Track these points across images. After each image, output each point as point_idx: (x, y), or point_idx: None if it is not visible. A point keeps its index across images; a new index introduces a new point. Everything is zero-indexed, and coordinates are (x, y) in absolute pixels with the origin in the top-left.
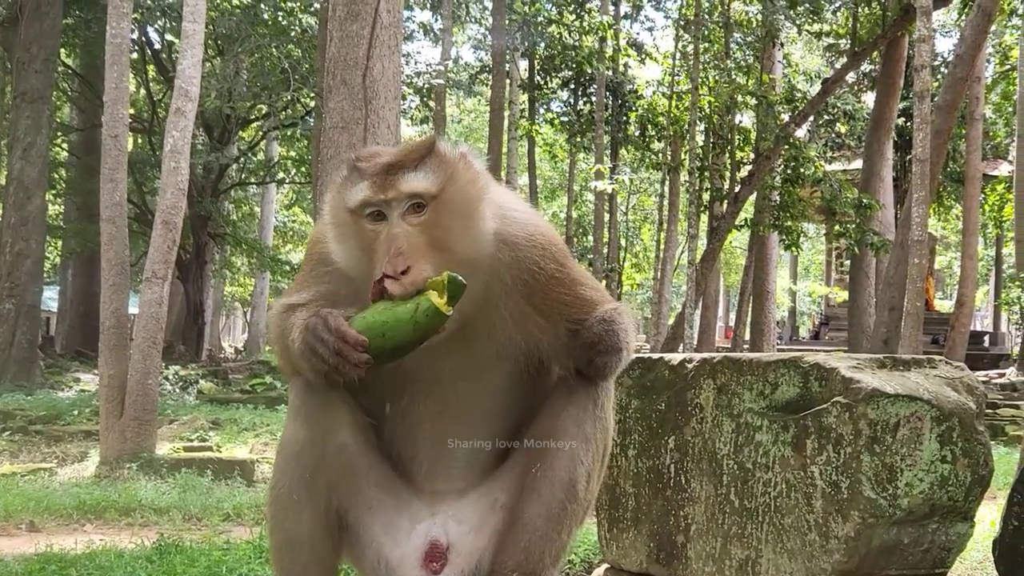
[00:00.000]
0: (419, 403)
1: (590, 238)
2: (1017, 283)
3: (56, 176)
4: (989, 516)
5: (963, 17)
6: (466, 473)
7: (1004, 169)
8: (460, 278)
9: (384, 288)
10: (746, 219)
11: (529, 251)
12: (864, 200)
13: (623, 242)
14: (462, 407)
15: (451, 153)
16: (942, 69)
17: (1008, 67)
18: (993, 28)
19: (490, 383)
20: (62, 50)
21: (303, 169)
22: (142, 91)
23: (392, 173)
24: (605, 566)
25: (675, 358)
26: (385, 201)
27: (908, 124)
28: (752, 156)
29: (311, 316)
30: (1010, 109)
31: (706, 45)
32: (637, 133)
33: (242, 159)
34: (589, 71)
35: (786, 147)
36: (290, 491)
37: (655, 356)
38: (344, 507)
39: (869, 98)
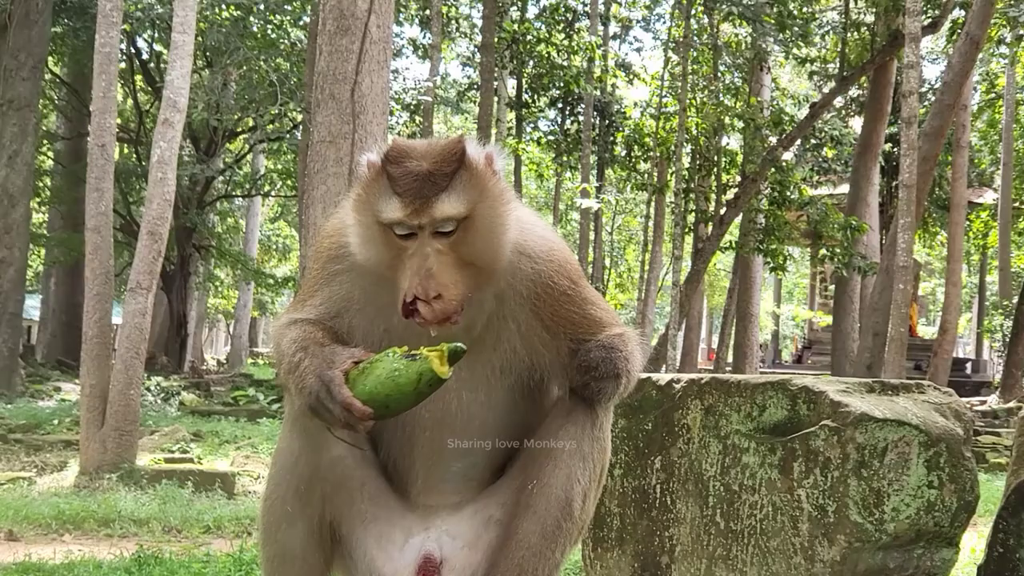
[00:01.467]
0: (420, 412)
1: (575, 257)
2: (1000, 311)
3: (41, 184)
4: (970, 543)
5: (951, 44)
6: (462, 487)
7: (989, 197)
8: (461, 346)
9: (415, 310)
10: (731, 241)
11: (546, 265)
12: (852, 222)
13: (608, 262)
14: (462, 419)
15: (479, 162)
16: (929, 96)
17: (994, 95)
18: (980, 56)
19: (491, 396)
20: (50, 58)
21: (289, 183)
22: (129, 101)
23: (425, 193)
24: None
25: (663, 378)
26: (419, 225)
27: (895, 150)
28: (738, 179)
29: (315, 372)
30: (996, 137)
31: (694, 67)
32: (623, 153)
33: (228, 171)
34: (577, 91)
35: (772, 170)
36: (283, 502)
37: (643, 376)
38: (337, 520)
39: (856, 123)
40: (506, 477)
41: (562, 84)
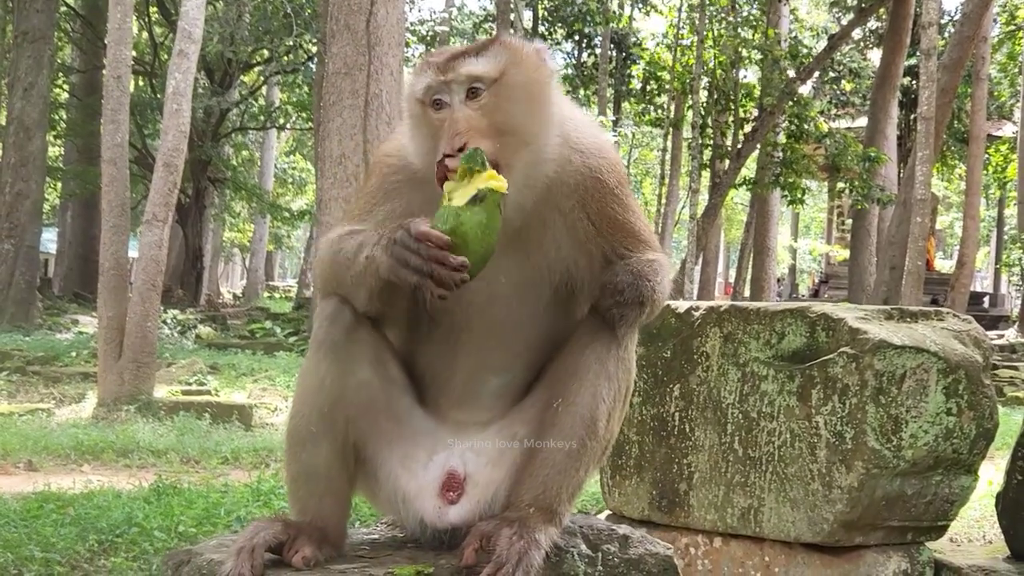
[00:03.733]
0: (468, 323)
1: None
2: (1018, 244)
3: (57, 117)
4: (987, 475)
5: None
6: (494, 404)
7: (1008, 129)
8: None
9: (447, 167)
10: (745, 178)
11: (597, 160)
12: (871, 153)
13: None
14: (507, 332)
15: (519, 44)
16: (949, 27)
17: (1014, 26)
18: None
19: (533, 306)
20: None
21: (304, 115)
22: (144, 33)
23: (455, 59)
24: (607, 513)
25: (681, 305)
26: (445, 83)
27: (913, 82)
28: (755, 112)
29: (393, 230)
30: (1015, 69)
31: None
32: (639, 87)
33: (243, 104)
34: (588, 29)
35: (790, 103)
36: (308, 423)
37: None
38: (362, 441)
39: (875, 55)
40: (532, 396)
41: (575, 20)
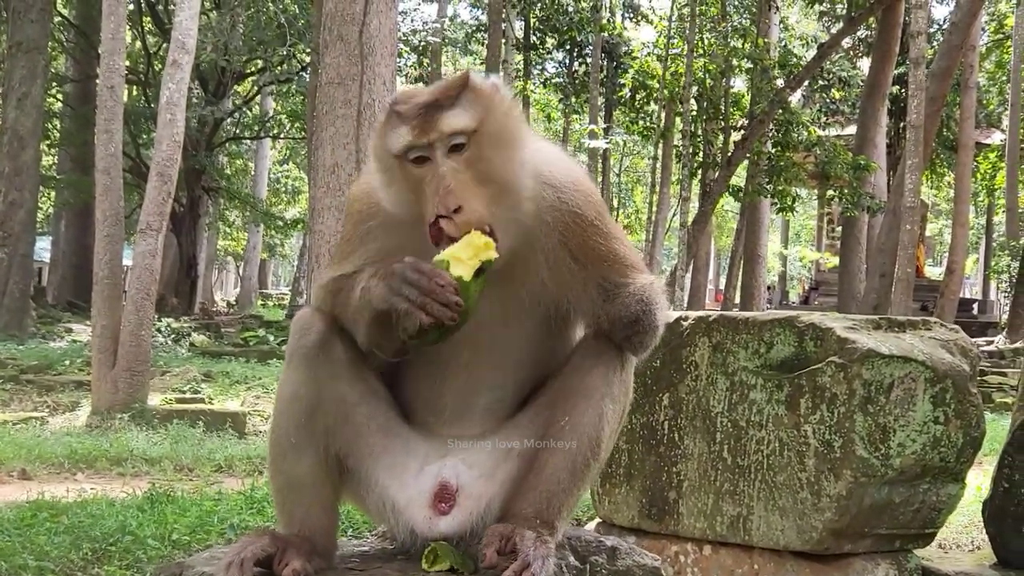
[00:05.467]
0: (457, 348)
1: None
2: (1007, 251)
3: (51, 126)
4: (975, 481)
5: None
6: (485, 420)
7: (997, 137)
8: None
9: (441, 228)
10: (734, 186)
11: (572, 195)
12: (861, 161)
13: (615, 203)
14: (494, 354)
15: (485, 85)
16: (938, 36)
17: (1002, 35)
18: None
19: (521, 331)
20: (58, 0)
21: (298, 124)
22: (138, 43)
23: (431, 114)
24: (596, 521)
25: (671, 315)
26: (428, 144)
27: (903, 91)
28: (745, 121)
29: (389, 265)
30: (1004, 77)
31: (702, 8)
32: (629, 96)
33: (237, 113)
34: (579, 38)
35: (780, 111)
36: (288, 434)
37: None
38: (345, 452)
39: (864, 64)
40: (530, 412)
41: (568, 28)
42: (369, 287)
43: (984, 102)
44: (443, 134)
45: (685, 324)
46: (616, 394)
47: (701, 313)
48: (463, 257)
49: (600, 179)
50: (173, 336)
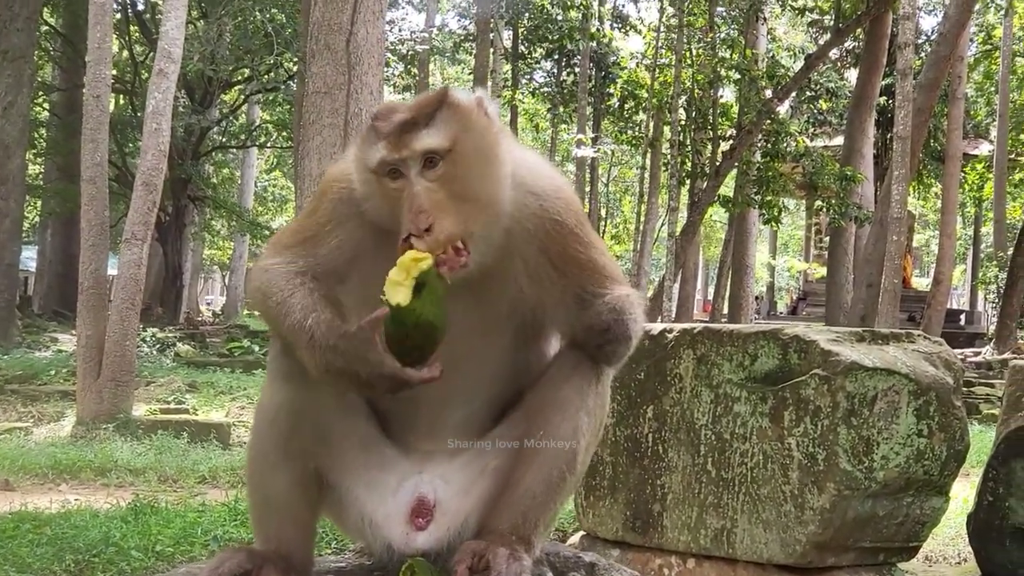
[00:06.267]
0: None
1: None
2: (994, 262)
3: (37, 135)
4: (962, 493)
5: None
6: (461, 434)
7: (984, 148)
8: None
9: (410, 244)
10: (722, 196)
11: (554, 202)
12: (848, 172)
13: (603, 213)
14: (469, 365)
15: (465, 102)
16: (925, 47)
17: (990, 46)
18: (976, 7)
19: (498, 340)
20: (45, 9)
21: (284, 134)
22: (125, 52)
23: (406, 131)
24: (581, 533)
25: (655, 328)
26: (400, 160)
27: (890, 102)
28: (733, 131)
29: (334, 329)
30: (992, 88)
31: (690, 18)
32: (618, 106)
33: (223, 122)
34: (569, 46)
35: (768, 122)
36: (267, 453)
37: None
38: (323, 469)
39: (852, 75)
40: (506, 426)
41: (557, 37)
42: (315, 344)
43: (972, 113)
44: (415, 152)
45: (670, 336)
46: (592, 407)
47: (686, 325)
48: (399, 280)
49: (588, 189)
50: (158, 346)
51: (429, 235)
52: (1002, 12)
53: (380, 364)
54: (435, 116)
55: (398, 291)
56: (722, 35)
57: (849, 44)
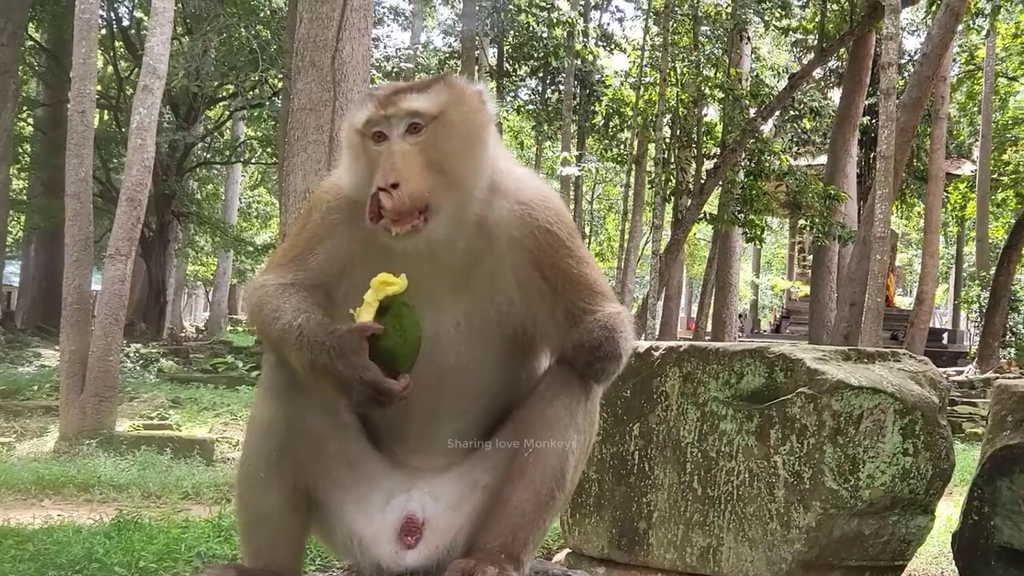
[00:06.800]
0: (420, 371)
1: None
2: (977, 282)
3: (21, 151)
4: (947, 511)
5: (930, 15)
6: (450, 450)
7: (967, 168)
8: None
9: (380, 203)
10: (707, 213)
11: (542, 211)
12: (831, 191)
13: (588, 231)
14: (460, 377)
15: (463, 84)
16: (908, 67)
17: (973, 67)
18: (959, 28)
19: (487, 352)
20: (30, 24)
21: (269, 150)
22: (110, 68)
23: (397, 94)
24: (566, 551)
25: (642, 345)
26: (385, 118)
27: (873, 121)
28: (717, 149)
29: (325, 330)
30: (975, 108)
31: (675, 37)
32: (603, 123)
33: (208, 138)
34: (555, 63)
35: (752, 141)
36: (257, 470)
37: None
38: (313, 486)
39: (835, 95)
40: (495, 443)
41: (542, 55)
42: (303, 344)
43: (954, 133)
44: (401, 110)
45: (656, 354)
46: (581, 425)
47: (672, 344)
48: (369, 300)
49: (572, 206)
50: (142, 362)
51: (397, 191)
52: (984, 33)
53: (364, 369)
54: (430, 86)
55: (365, 311)
56: (706, 54)
57: (832, 64)
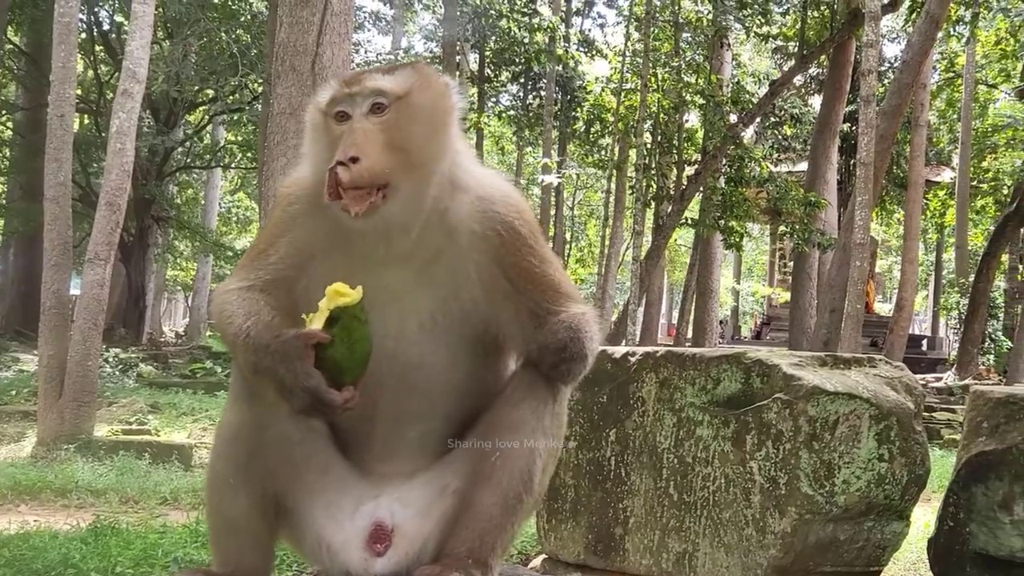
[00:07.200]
0: (384, 373)
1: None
2: (956, 289)
3: (0, 155)
4: (924, 517)
5: (910, 23)
6: (417, 455)
7: (946, 175)
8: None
9: (338, 178)
10: (688, 218)
11: (504, 207)
12: (811, 198)
13: (568, 236)
14: (424, 379)
15: (431, 72)
16: (888, 74)
17: (953, 74)
18: (939, 35)
19: (452, 356)
20: (9, 28)
21: (249, 155)
22: (90, 72)
23: (363, 74)
24: (543, 557)
25: (618, 351)
26: (349, 95)
27: (853, 128)
28: (698, 156)
29: (272, 336)
30: (954, 116)
31: (656, 43)
32: (584, 129)
33: (188, 143)
34: (537, 68)
35: (732, 147)
36: (226, 476)
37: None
38: (282, 492)
39: (815, 101)
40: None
41: (523, 60)
42: (262, 365)
43: (934, 140)
44: (365, 88)
45: (632, 360)
46: (548, 427)
47: (648, 349)
48: (322, 308)
49: (553, 212)
50: (120, 367)
51: (356, 165)
52: (964, 40)
53: (307, 376)
54: (397, 69)
55: (316, 318)
56: (687, 60)
57: (813, 71)
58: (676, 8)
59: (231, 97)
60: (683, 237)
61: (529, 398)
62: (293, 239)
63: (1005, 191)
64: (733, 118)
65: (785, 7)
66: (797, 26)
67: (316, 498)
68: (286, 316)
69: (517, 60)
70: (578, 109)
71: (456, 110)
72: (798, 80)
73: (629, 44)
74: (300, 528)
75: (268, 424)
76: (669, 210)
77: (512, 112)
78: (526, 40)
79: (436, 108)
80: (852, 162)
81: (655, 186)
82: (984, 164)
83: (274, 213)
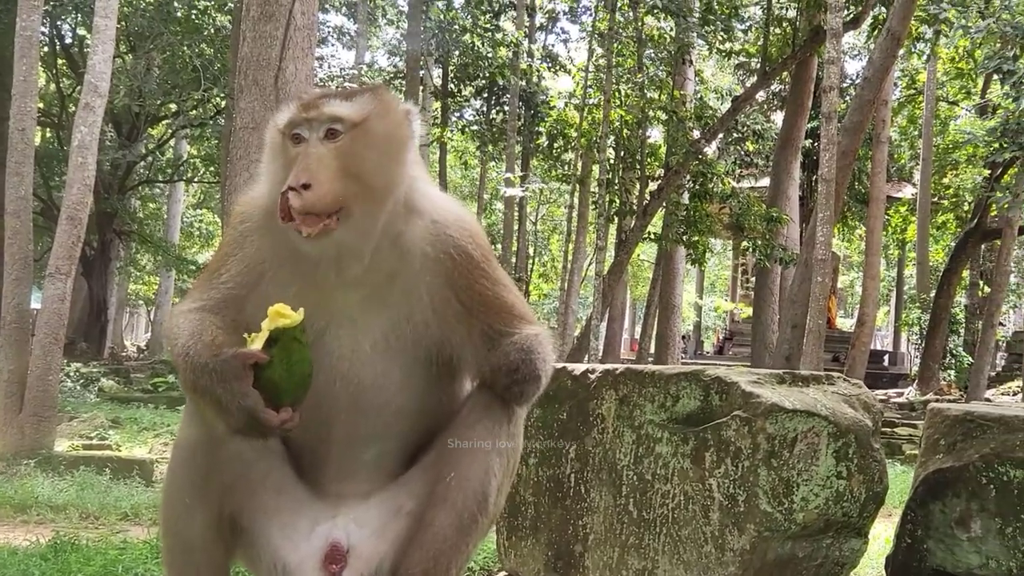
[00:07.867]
0: (337, 394)
1: (499, 247)
2: (917, 304)
3: None
4: (884, 533)
5: (872, 40)
6: (373, 476)
7: (908, 191)
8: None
9: (288, 201)
10: (652, 233)
11: (457, 231)
12: (774, 214)
13: (531, 251)
14: (377, 401)
15: (391, 99)
16: (850, 91)
17: (914, 90)
18: (900, 52)
19: (405, 377)
20: None
21: (212, 169)
22: (52, 85)
23: (321, 99)
24: (503, 574)
25: (578, 368)
26: (306, 120)
27: (815, 144)
28: (661, 171)
29: (213, 356)
30: (915, 132)
31: (619, 59)
32: (547, 144)
33: (150, 157)
34: (502, 82)
35: (695, 163)
36: (182, 494)
37: (558, 366)
38: (238, 511)
39: (778, 118)
40: (418, 468)
41: (487, 75)
42: (205, 385)
43: (896, 156)
44: (322, 114)
45: (592, 377)
46: (503, 448)
47: (608, 366)
48: (264, 328)
49: (516, 227)
50: (82, 381)
51: (307, 192)
52: (925, 58)
53: (243, 396)
54: (357, 95)
55: (257, 339)
56: (650, 76)
57: (775, 87)
58: (639, 24)
59: (194, 111)
60: (646, 252)
61: (484, 419)
62: (243, 257)
63: (966, 207)
64: (696, 134)
65: (747, 24)
66: (759, 43)
67: (272, 518)
68: (237, 335)
69: (481, 75)
70: (541, 124)
71: (414, 137)
72: (760, 96)
73: (592, 60)
74: (256, 548)
75: (224, 442)
76: (632, 225)
77: (475, 127)
78: (490, 55)
79: (392, 136)
80: (814, 178)
81: (618, 201)
82: (945, 180)
83: (227, 232)
